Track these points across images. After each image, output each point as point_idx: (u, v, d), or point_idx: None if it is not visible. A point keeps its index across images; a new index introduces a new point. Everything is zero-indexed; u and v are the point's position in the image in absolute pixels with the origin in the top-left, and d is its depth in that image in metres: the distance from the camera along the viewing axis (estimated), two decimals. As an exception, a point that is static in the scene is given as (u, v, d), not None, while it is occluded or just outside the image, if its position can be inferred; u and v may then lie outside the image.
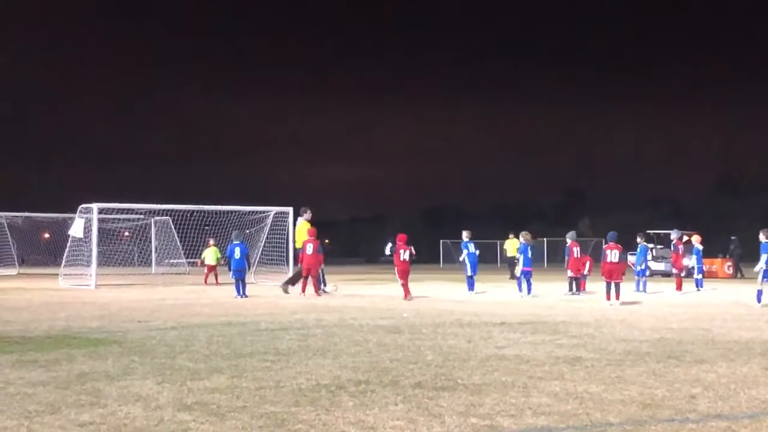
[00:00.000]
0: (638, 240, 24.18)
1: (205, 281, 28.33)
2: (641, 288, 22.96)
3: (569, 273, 22.20)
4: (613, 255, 17.85)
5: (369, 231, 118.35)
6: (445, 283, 30.01)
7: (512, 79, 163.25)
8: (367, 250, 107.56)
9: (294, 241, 24.29)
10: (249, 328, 11.95)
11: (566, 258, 22.73)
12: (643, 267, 23.67)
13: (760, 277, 17.72)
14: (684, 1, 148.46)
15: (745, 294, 22.32)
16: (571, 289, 22.00)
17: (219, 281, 27.96)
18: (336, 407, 6.09)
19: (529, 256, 21.23)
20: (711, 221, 79.59)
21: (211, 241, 30.38)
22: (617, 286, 17.44)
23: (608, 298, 17.45)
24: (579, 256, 22.56)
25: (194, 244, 33.49)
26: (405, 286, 19.58)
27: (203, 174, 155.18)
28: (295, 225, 24.11)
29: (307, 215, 22.65)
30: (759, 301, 17.55)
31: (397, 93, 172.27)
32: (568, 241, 22.85)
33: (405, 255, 20.02)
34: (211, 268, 29.06)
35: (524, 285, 20.69)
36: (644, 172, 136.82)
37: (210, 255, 29.45)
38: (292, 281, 22.29)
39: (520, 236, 22.13)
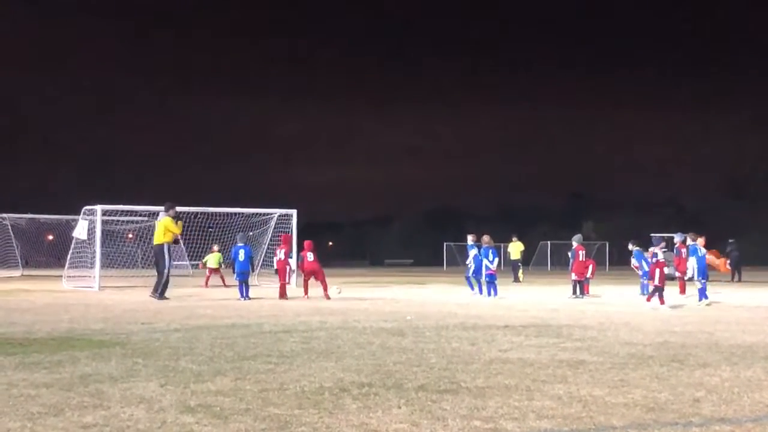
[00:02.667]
0: (630, 246, 24.12)
1: (206, 284, 28.29)
2: (646, 291, 22.84)
3: (573, 276, 22.18)
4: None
5: (373, 233, 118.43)
6: (449, 286, 29.98)
7: (516, 81, 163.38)
8: (371, 252, 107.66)
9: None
10: (252, 330, 11.96)
11: (571, 261, 22.69)
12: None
13: (695, 276, 19.06)
14: (688, 10, 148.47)
15: (745, 298, 22.31)
16: (574, 292, 21.98)
17: (226, 283, 28.00)
18: (339, 410, 6.09)
19: (490, 258, 21.54)
20: (716, 224, 79.51)
21: (215, 248, 30.41)
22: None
23: (662, 302, 17.38)
24: (584, 259, 22.54)
25: (198, 246, 33.47)
26: (308, 283, 21.02)
27: (207, 175, 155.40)
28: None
29: (172, 212, 21.58)
30: (705, 298, 18.87)
31: (400, 94, 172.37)
32: (574, 244, 22.81)
33: (310, 257, 21.05)
34: (214, 271, 29.18)
35: (485, 287, 21.36)
36: (649, 174, 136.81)
37: (213, 260, 29.56)
38: (157, 288, 20.49)
39: (482, 240, 22.20)
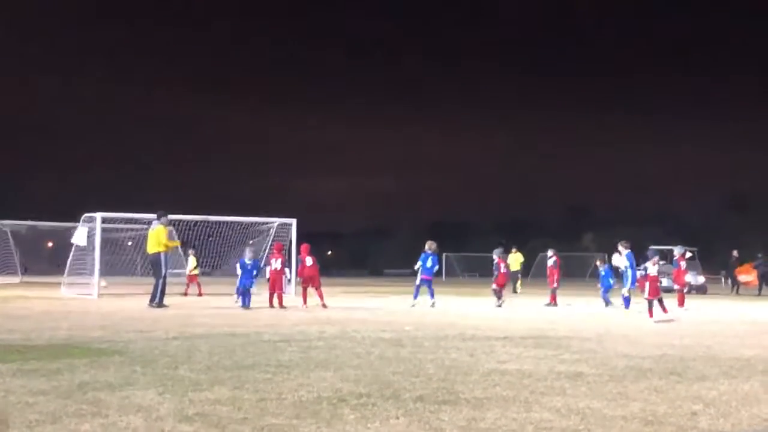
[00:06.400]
0: (597, 263, 24.32)
1: (198, 290, 27.72)
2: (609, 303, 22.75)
3: (494, 286, 23.06)
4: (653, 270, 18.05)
5: (373, 243, 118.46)
6: (448, 297, 29.95)
7: (517, 93, 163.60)
8: (372, 262, 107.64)
9: (293, 254, 23.99)
10: (251, 339, 11.95)
11: (496, 273, 23.36)
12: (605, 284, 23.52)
13: (628, 285, 19.87)
14: (690, 17, 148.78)
15: (744, 311, 22.29)
16: (499, 298, 22.76)
17: (202, 292, 27.42)
18: (337, 420, 6.08)
19: (428, 265, 22.22)
20: (716, 237, 79.58)
21: (191, 252, 29.77)
22: (660, 301, 17.51)
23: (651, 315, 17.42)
24: (506, 270, 23.67)
25: (197, 254, 33.45)
26: (308, 291, 21.35)
27: (207, 184, 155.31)
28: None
29: (165, 219, 21.61)
30: (627, 306, 20.08)
31: (403, 106, 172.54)
32: (495, 257, 23.58)
33: (309, 262, 21.35)
34: (192, 278, 28.51)
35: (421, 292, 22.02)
36: (650, 187, 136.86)
37: (189, 264, 29.08)
38: (154, 298, 20.47)
39: (426, 245, 22.64)
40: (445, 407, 6.62)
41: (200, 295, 27.27)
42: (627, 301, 20.32)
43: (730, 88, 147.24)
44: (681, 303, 22.94)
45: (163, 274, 20.63)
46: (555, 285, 23.91)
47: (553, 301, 23.37)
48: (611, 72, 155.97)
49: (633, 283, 19.75)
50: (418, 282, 22.40)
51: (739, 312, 21.81)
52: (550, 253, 25.21)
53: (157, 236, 20.97)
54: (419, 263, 22.44)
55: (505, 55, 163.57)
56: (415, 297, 22.11)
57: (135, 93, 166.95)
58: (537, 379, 8.17)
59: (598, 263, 24.18)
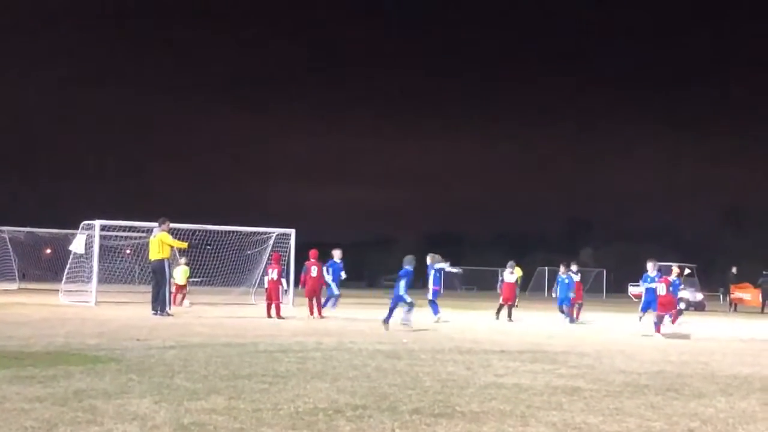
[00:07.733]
0: (562, 270, 23.98)
1: (174, 301, 25.23)
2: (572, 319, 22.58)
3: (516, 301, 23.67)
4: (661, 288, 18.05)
5: (372, 255, 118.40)
6: (446, 310, 29.89)
7: (518, 106, 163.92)
8: (370, 273, 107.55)
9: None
10: (248, 349, 11.94)
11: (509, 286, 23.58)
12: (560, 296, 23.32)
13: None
14: (685, 32, 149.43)
15: (741, 329, 22.28)
16: (501, 314, 22.88)
17: (183, 303, 26.32)
18: (333, 431, 6.07)
19: (438, 276, 21.86)
20: (715, 253, 79.59)
21: (182, 260, 28.24)
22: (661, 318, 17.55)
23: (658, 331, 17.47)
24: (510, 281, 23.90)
25: (195, 263, 33.35)
26: (313, 302, 20.98)
27: (205, 192, 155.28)
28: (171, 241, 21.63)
29: (165, 226, 21.43)
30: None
31: (402, 116, 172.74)
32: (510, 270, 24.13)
33: (314, 272, 21.17)
34: (180, 288, 27.16)
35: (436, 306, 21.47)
36: (648, 203, 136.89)
37: (179, 274, 27.36)
38: (155, 306, 20.51)
39: (428, 258, 22.19)
40: (442, 420, 6.61)
41: (175, 304, 25.21)
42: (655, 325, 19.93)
43: (729, 102, 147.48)
44: (674, 320, 22.98)
45: (167, 282, 20.70)
46: (581, 300, 23.72)
47: (577, 317, 23.08)
48: (611, 85, 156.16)
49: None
50: (432, 297, 21.61)
51: (736, 329, 21.80)
52: (575, 269, 24.65)
53: (162, 242, 20.95)
54: (432, 277, 21.85)
55: (504, 65, 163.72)
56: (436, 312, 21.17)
57: (134, 100, 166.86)
58: (534, 394, 8.17)
59: (561, 270, 23.63)
